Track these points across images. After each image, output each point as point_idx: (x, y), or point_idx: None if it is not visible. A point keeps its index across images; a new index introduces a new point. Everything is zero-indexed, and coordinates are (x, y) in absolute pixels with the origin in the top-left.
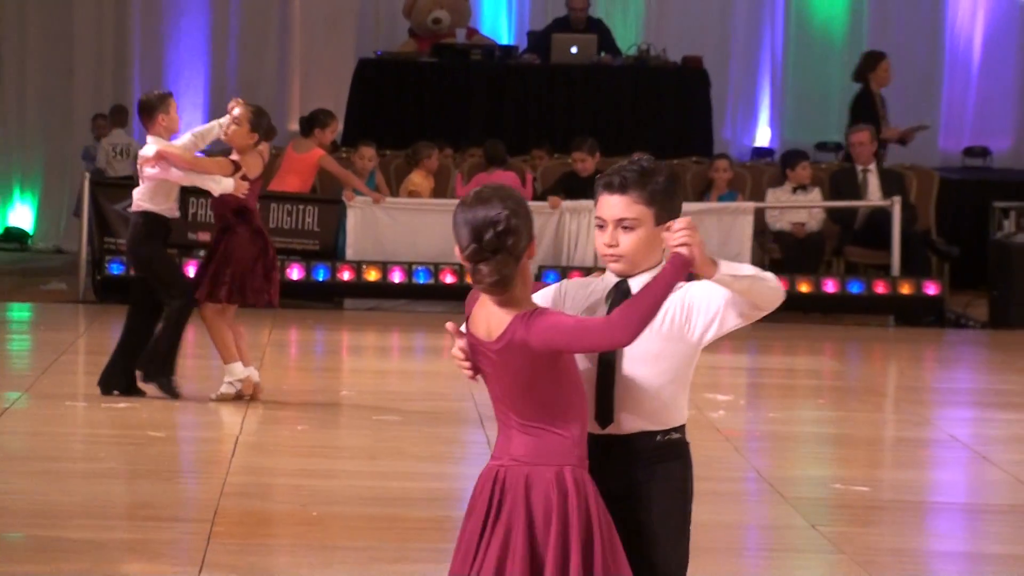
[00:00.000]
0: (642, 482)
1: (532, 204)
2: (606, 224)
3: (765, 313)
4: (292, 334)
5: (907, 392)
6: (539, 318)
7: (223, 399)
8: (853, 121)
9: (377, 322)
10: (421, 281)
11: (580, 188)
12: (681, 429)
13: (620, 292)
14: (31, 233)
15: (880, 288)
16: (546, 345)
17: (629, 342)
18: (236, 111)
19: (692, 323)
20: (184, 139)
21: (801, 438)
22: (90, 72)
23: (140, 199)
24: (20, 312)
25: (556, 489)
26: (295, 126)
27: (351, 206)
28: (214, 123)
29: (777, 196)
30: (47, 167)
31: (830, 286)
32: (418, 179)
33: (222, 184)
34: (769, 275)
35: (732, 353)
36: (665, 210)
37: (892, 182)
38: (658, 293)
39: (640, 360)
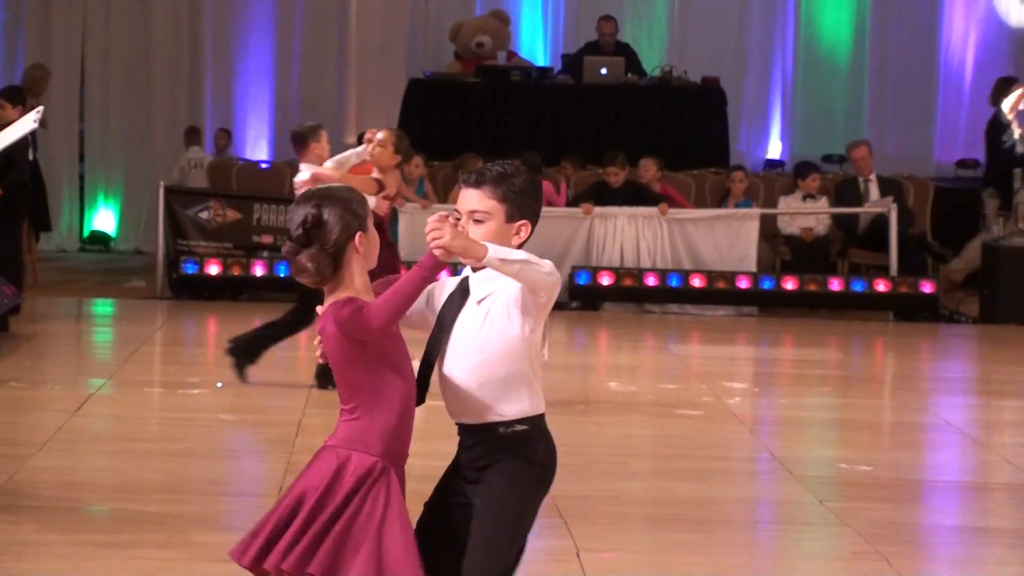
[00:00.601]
0: (486, 471)
1: (566, 210)
2: (461, 216)
3: (546, 299)
4: None
5: (905, 381)
6: (344, 306)
7: None
8: (989, 143)
9: None
10: None
11: (610, 197)
12: (529, 421)
13: (460, 289)
14: (113, 236)
15: (881, 287)
16: (340, 331)
17: (381, 329)
18: (380, 134)
19: (512, 317)
20: (328, 165)
21: (809, 422)
22: (166, 91)
23: None
24: (104, 307)
25: (336, 473)
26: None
27: (402, 211)
28: (351, 152)
29: (789, 204)
30: (127, 176)
31: (835, 285)
32: None
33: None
34: (545, 262)
35: (747, 345)
36: (517, 209)
37: (891, 191)
38: (408, 288)
39: (465, 352)
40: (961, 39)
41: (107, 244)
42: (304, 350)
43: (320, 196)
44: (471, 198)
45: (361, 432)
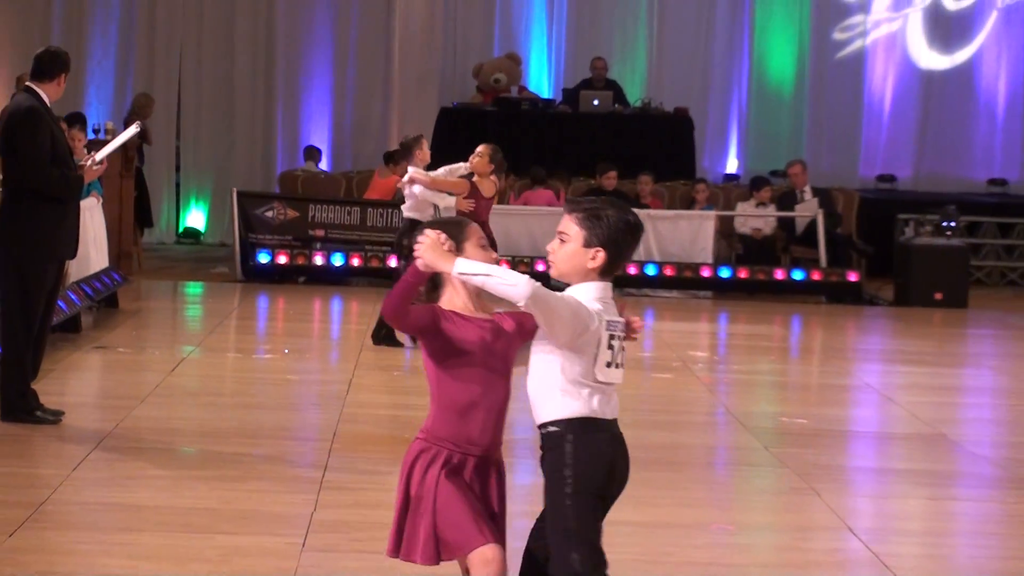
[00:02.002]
0: (542, 466)
1: (558, 209)
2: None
3: (530, 312)
4: None
5: (834, 351)
6: None
7: None
8: None
9: None
10: None
11: None
12: (561, 424)
13: None
14: (203, 231)
15: (815, 276)
16: None
17: (389, 319)
18: (479, 148)
19: (542, 339)
20: (440, 171)
21: (758, 383)
22: (246, 114)
23: (408, 211)
24: (194, 289)
25: (410, 464)
26: None
27: None
28: (460, 165)
29: (744, 209)
30: (214, 184)
31: (779, 274)
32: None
33: (445, 200)
34: (509, 276)
35: (708, 322)
36: (595, 237)
37: (822, 199)
38: (395, 290)
39: (531, 361)
40: (881, 78)
41: (198, 238)
42: (355, 324)
43: (425, 227)
44: (563, 220)
45: (428, 421)
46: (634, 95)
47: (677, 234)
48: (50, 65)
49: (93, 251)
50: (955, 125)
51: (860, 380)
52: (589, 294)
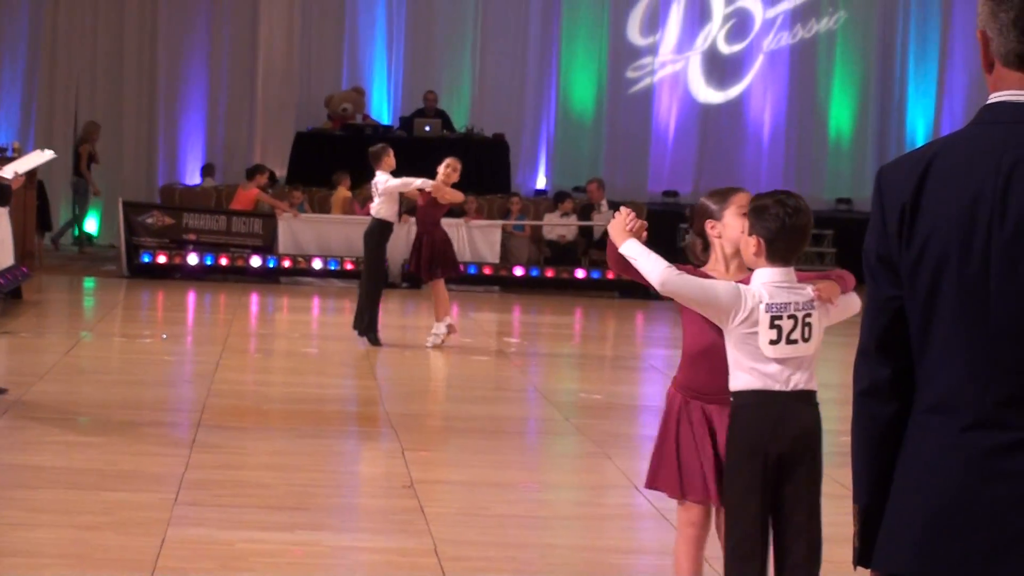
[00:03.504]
0: None
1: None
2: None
3: (663, 293)
4: (253, 298)
5: (625, 338)
6: None
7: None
8: None
9: (301, 291)
10: (332, 267)
11: None
12: (735, 395)
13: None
14: (95, 235)
15: (610, 275)
16: None
17: (619, 273)
18: (450, 160)
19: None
20: (416, 182)
21: (560, 364)
22: (132, 136)
23: (375, 210)
24: (89, 283)
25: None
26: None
27: (280, 219)
28: (418, 180)
29: (551, 219)
30: (106, 194)
31: (580, 273)
32: (342, 193)
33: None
34: (650, 264)
35: (520, 313)
36: (753, 227)
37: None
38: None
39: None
40: (666, 109)
41: (91, 240)
42: (223, 314)
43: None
44: None
45: (678, 370)
46: (460, 122)
47: (488, 240)
48: None
49: (0, 251)
50: (728, 150)
51: (647, 362)
52: (762, 278)
